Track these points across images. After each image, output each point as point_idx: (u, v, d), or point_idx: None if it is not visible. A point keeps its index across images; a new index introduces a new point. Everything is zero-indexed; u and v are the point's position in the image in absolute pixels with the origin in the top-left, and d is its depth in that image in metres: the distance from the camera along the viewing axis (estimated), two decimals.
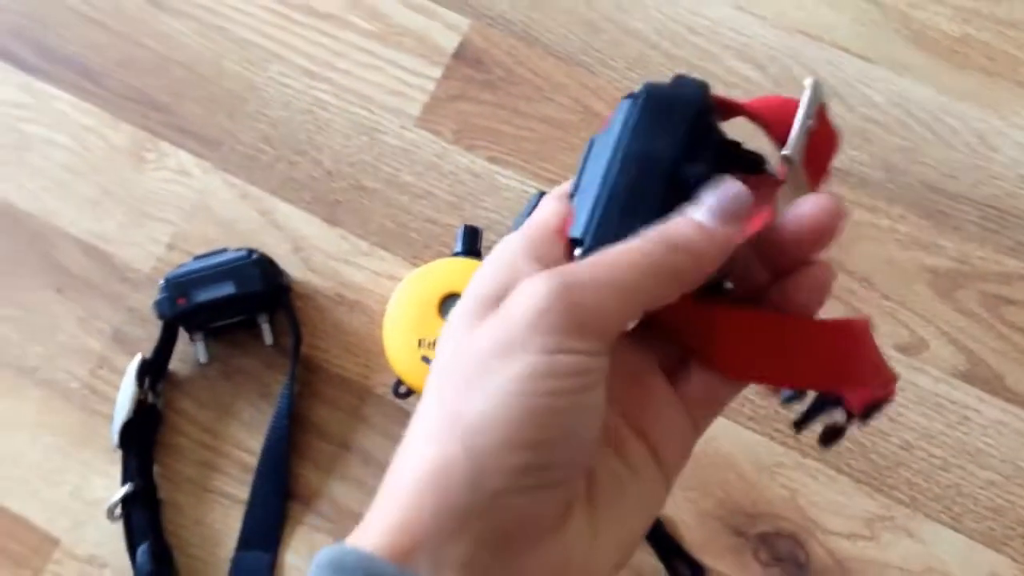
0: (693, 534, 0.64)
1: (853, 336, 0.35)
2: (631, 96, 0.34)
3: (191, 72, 0.76)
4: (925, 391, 0.66)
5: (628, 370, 0.34)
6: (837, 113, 0.71)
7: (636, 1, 0.76)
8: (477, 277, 0.33)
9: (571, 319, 0.30)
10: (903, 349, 0.67)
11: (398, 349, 0.63)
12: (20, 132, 0.75)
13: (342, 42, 0.76)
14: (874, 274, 0.69)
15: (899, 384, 0.65)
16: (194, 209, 0.72)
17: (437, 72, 0.75)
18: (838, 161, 0.69)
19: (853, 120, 0.72)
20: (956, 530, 0.64)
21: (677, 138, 0.33)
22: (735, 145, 0.35)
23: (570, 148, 0.72)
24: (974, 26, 0.73)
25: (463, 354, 0.31)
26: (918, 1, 0.75)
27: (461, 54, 0.75)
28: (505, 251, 0.34)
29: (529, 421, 0.29)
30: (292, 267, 0.71)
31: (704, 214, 0.32)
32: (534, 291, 0.30)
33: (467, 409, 0.30)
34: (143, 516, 0.66)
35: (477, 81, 0.74)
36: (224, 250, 0.69)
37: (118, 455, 0.67)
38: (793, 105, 0.37)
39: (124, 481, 0.67)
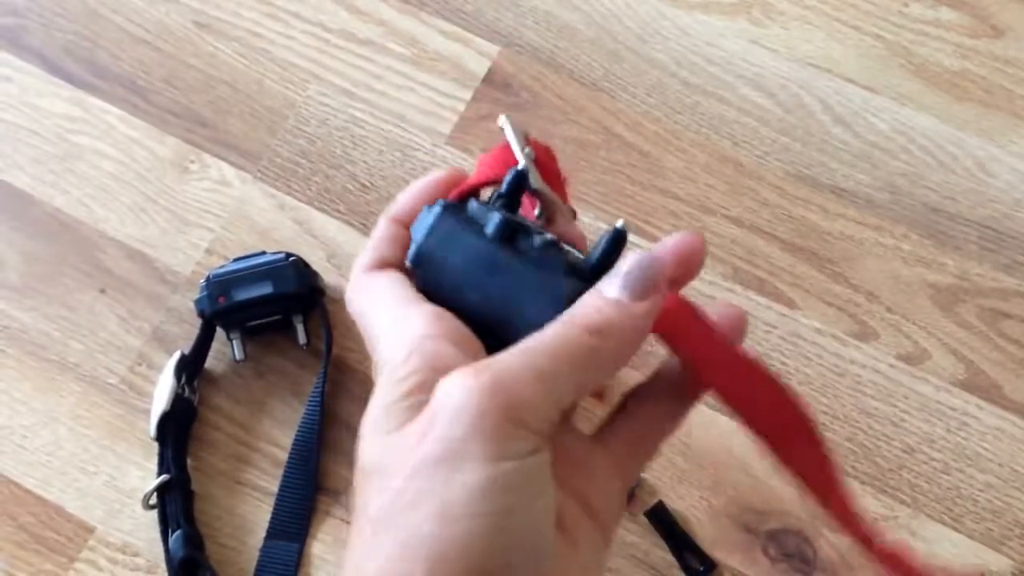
0: (705, 530, 0.65)
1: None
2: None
3: (234, 90, 0.78)
4: (927, 398, 0.68)
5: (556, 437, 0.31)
6: (843, 139, 0.74)
7: (657, 33, 0.78)
8: (388, 360, 0.32)
9: (510, 418, 0.28)
10: (906, 359, 0.69)
11: None
12: (70, 143, 0.77)
13: (379, 65, 0.78)
14: (879, 289, 0.70)
15: (902, 391, 0.68)
16: (233, 217, 0.74)
17: (468, 95, 0.77)
18: (847, 183, 0.73)
19: (859, 146, 0.74)
20: (956, 530, 0.65)
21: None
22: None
23: (590, 167, 0.74)
24: (973, 62, 0.76)
25: (398, 462, 0.29)
26: (920, 38, 0.77)
27: (490, 79, 0.77)
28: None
29: (487, 547, 0.27)
30: (326, 274, 0.72)
31: (620, 290, 0.30)
32: (465, 392, 0.28)
33: (421, 532, 0.27)
34: (177, 505, 0.67)
35: (505, 103, 0.76)
36: (262, 253, 0.70)
37: (153, 448, 0.68)
38: (507, 151, 0.38)
39: (160, 472, 0.68)
